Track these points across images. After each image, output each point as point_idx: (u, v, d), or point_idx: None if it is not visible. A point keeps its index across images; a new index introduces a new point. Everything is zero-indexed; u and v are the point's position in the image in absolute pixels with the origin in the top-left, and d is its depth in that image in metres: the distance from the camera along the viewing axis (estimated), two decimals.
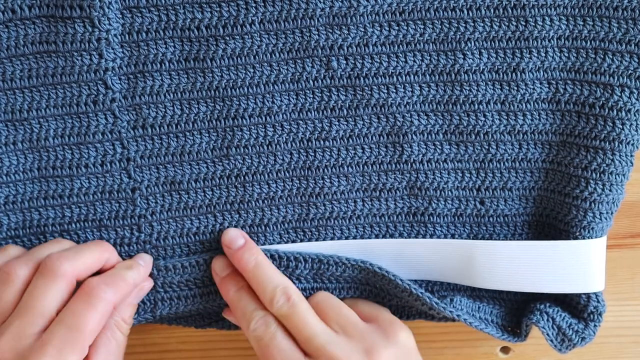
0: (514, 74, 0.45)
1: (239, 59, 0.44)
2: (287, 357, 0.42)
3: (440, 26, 0.44)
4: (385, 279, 0.46)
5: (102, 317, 0.41)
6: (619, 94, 0.44)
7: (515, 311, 0.49)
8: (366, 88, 0.45)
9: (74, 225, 0.46)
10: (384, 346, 0.42)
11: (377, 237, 0.48)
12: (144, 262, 0.45)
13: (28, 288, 0.41)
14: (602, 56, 0.44)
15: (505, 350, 0.52)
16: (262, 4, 0.43)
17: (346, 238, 0.47)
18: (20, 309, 0.40)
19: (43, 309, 0.40)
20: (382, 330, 0.44)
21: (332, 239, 0.47)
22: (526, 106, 0.45)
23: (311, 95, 0.45)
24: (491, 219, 0.47)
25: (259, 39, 0.44)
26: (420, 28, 0.44)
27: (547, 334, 0.46)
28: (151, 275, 0.46)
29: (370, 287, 0.48)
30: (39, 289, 0.40)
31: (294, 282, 0.45)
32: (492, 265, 0.46)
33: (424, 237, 0.47)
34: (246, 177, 0.46)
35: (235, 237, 0.46)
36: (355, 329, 0.43)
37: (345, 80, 0.45)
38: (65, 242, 0.45)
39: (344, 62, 0.44)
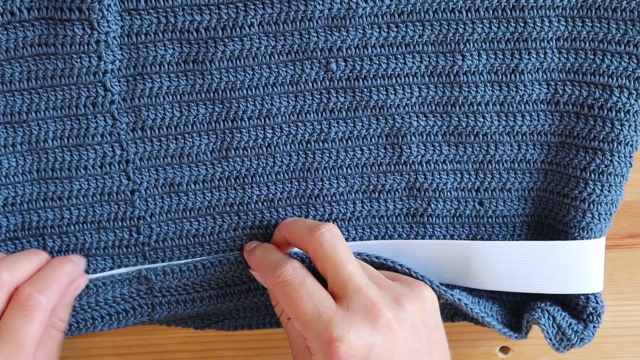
0: (512, 75, 0.45)
1: (238, 61, 0.44)
2: (318, 299, 0.40)
3: (439, 27, 0.44)
4: (385, 266, 0.46)
5: (40, 325, 0.41)
6: (618, 95, 0.44)
7: (515, 312, 0.49)
8: (365, 90, 0.45)
9: (72, 227, 0.46)
10: (411, 297, 0.41)
11: (376, 238, 0.48)
12: (76, 258, 0.45)
13: None
14: (600, 57, 0.44)
15: (504, 350, 0.52)
16: (261, 6, 0.43)
17: (345, 239, 0.47)
18: None
19: None
20: (408, 285, 0.42)
21: None
22: (525, 107, 0.45)
23: (310, 97, 0.45)
24: (490, 220, 0.47)
25: (258, 41, 0.44)
26: (419, 29, 0.44)
27: (547, 332, 0.46)
28: (147, 279, 0.46)
29: None
30: None
31: None
32: (491, 267, 0.46)
33: (422, 237, 0.47)
34: (245, 179, 0.46)
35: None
36: (383, 281, 0.42)
37: (344, 82, 0.45)
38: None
39: (343, 63, 0.44)
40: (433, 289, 0.44)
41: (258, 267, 0.44)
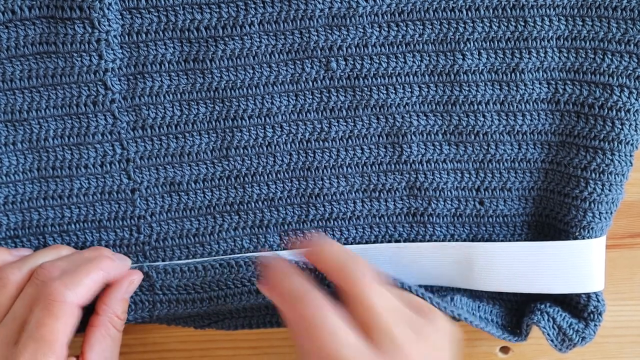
0: (513, 74, 0.45)
1: (238, 59, 0.44)
2: (341, 338, 0.37)
3: (439, 27, 0.44)
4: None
5: (67, 322, 0.39)
6: (618, 94, 0.44)
7: (515, 311, 0.49)
8: (365, 89, 0.45)
9: (73, 225, 0.46)
10: (431, 331, 0.40)
11: (376, 237, 0.47)
12: (117, 257, 0.44)
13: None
14: (601, 56, 0.44)
15: (504, 350, 0.52)
16: (262, 5, 0.43)
17: (346, 239, 0.47)
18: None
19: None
20: (425, 316, 0.41)
21: (331, 239, 0.47)
22: (525, 106, 0.45)
23: (310, 96, 0.45)
24: (490, 219, 0.47)
25: (258, 39, 0.44)
26: (419, 29, 0.44)
27: (548, 334, 0.46)
28: (148, 276, 0.46)
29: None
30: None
31: None
32: (491, 267, 0.46)
33: (423, 237, 0.47)
34: (245, 178, 0.46)
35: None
36: (404, 314, 0.40)
37: (344, 81, 0.45)
38: (63, 248, 0.44)
39: (343, 62, 0.44)
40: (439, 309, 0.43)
41: (276, 290, 0.41)
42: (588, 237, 0.45)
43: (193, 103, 0.45)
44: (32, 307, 0.40)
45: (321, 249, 0.41)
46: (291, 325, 0.40)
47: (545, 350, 0.51)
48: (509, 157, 0.46)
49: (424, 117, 0.46)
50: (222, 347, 0.51)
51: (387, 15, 0.44)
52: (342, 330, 0.38)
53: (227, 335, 0.51)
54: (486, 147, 0.46)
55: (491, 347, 0.52)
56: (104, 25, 0.42)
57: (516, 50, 0.44)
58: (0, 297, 0.40)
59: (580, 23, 0.44)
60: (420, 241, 0.47)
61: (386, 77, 0.45)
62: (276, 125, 0.45)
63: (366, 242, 0.48)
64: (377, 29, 0.44)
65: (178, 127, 0.45)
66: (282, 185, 0.46)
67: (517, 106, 0.45)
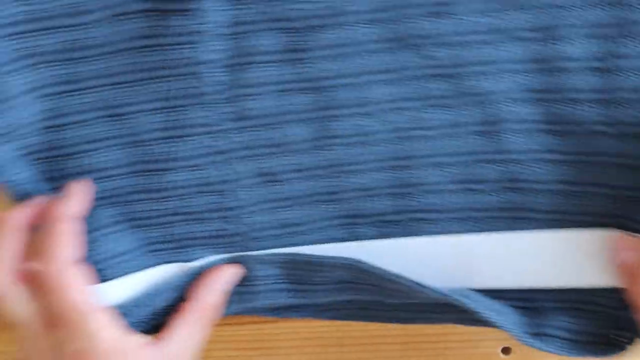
0: (616, 62, 0.44)
1: (339, 48, 0.43)
2: None
3: (542, 13, 0.43)
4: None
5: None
6: None
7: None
8: (466, 77, 0.44)
9: (169, 217, 0.46)
10: None
11: (471, 229, 0.47)
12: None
13: None
14: None
15: (506, 351, 0.51)
16: None
17: (440, 230, 0.47)
18: None
19: None
20: None
21: (425, 231, 0.47)
22: (628, 96, 0.44)
23: (410, 85, 0.44)
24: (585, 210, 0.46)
25: (360, 28, 0.43)
26: (523, 15, 0.43)
27: None
28: (247, 266, 0.46)
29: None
30: None
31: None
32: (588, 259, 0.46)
33: (518, 229, 0.46)
34: (342, 168, 0.46)
35: None
36: None
37: (444, 69, 0.44)
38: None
39: (445, 51, 0.44)
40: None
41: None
42: None
43: (292, 93, 0.44)
44: None
45: None
46: None
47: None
48: (608, 149, 0.45)
49: (524, 106, 0.45)
50: (222, 348, 0.51)
51: (491, 3, 0.43)
52: None
53: (227, 336, 0.51)
54: (585, 137, 0.45)
55: (492, 347, 0.51)
56: (206, 17, 0.42)
57: (620, 38, 0.43)
58: None
59: None
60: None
61: (487, 65, 0.44)
62: (374, 114, 0.45)
63: (460, 233, 0.47)
64: (481, 17, 0.43)
65: (275, 118, 0.44)
66: (378, 174, 0.46)
67: (619, 95, 0.44)
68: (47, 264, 0.40)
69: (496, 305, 0.46)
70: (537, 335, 0.45)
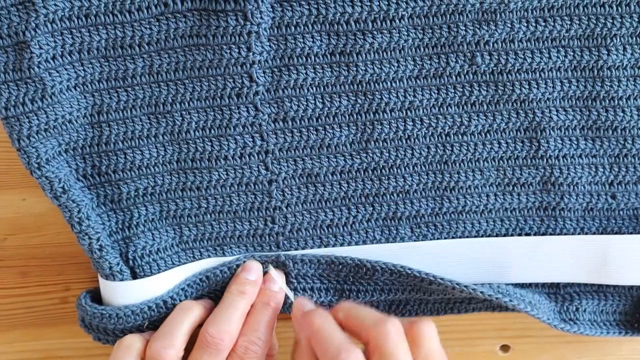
0: None
1: (384, 53, 0.44)
2: None
3: (587, 22, 0.44)
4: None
5: None
6: None
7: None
8: (508, 83, 0.45)
9: (209, 215, 0.46)
10: None
11: (507, 231, 0.48)
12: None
13: None
14: None
15: (504, 348, 0.52)
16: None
17: (477, 232, 0.48)
18: None
19: None
20: None
21: (462, 232, 0.48)
22: None
23: (453, 90, 0.45)
24: (621, 213, 0.48)
25: (406, 33, 0.43)
26: (567, 24, 0.44)
27: None
28: (284, 265, 0.46)
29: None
30: None
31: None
32: (628, 261, 0.46)
33: (554, 231, 0.48)
34: (382, 171, 0.46)
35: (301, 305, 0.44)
36: None
37: (487, 75, 0.45)
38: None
39: (488, 57, 0.44)
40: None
41: (314, 339, 0.40)
42: None
43: (336, 96, 0.44)
44: None
45: (351, 308, 0.42)
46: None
47: (546, 348, 0.52)
48: None
49: (564, 112, 0.46)
50: None
51: (536, 11, 0.43)
52: None
53: None
54: (622, 142, 0.46)
55: (492, 345, 0.52)
56: (257, 18, 0.42)
57: None
58: None
59: None
60: (551, 234, 0.48)
61: (529, 72, 0.45)
62: (417, 118, 0.45)
63: (496, 235, 0.48)
64: (525, 24, 0.44)
65: (319, 120, 0.45)
66: (418, 177, 0.46)
67: None
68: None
69: (529, 295, 0.47)
70: (570, 320, 0.48)
